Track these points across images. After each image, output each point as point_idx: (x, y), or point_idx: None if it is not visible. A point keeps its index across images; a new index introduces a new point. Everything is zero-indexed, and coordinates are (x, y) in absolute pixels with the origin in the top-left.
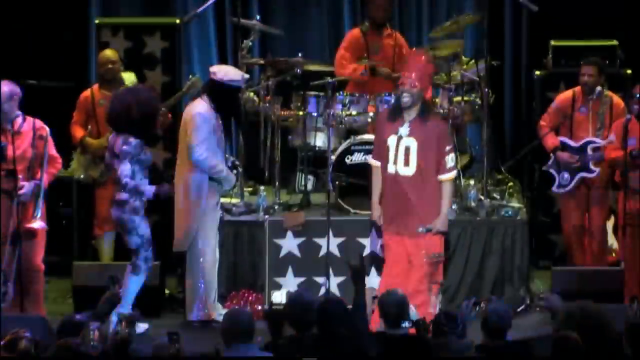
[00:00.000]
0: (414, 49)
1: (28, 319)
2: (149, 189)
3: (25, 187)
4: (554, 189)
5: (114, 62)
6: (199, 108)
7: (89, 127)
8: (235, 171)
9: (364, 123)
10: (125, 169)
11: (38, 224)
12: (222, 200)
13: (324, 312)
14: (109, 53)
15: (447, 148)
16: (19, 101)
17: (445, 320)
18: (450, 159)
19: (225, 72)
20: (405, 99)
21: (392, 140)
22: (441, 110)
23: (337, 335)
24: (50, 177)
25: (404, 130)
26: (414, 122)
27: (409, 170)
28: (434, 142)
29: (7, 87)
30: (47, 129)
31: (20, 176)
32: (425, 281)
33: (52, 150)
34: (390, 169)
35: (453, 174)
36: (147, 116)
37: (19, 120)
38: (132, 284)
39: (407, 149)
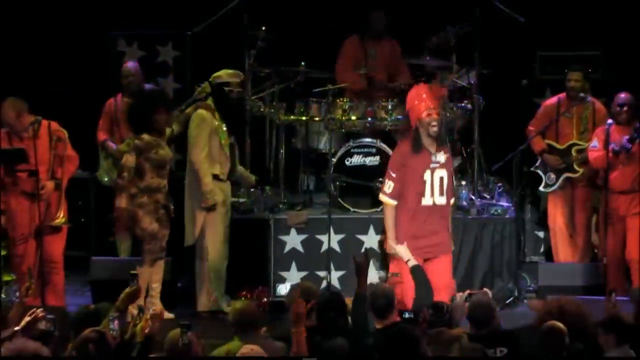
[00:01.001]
0: (433, 84)
1: (47, 310)
2: None
3: (47, 186)
4: (541, 188)
5: (133, 75)
6: (200, 111)
7: (113, 132)
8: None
9: (362, 127)
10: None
11: (61, 220)
12: (232, 199)
13: (324, 305)
14: (129, 66)
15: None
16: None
17: (433, 311)
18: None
19: (219, 76)
20: (435, 128)
21: (427, 175)
22: None
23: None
24: (69, 174)
25: (434, 162)
26: (438, 151)
27: (444, 200)
28: (452, 169)
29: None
30: (65, 131)
31: (42, 176)
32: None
33: (69, 150)
34: (427, 201)
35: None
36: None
37: (36, 125)
38: (143, 275)
39: (442, 180)
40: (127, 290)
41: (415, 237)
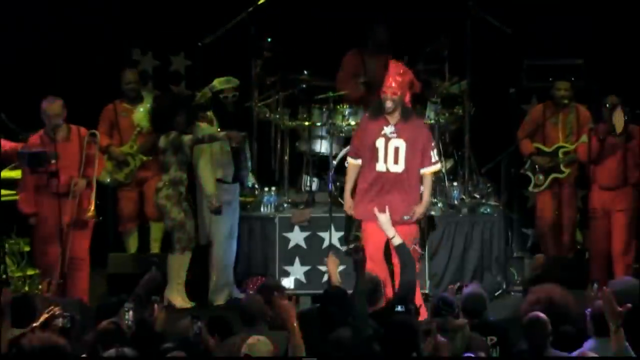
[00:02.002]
0: (393, 59)
1: (68, 301)
2: None
3: (80, 183)
4: (531, 188)
5: (134, 82)
6: (198, 123)
7: (113, 136)
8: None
9: None
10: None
11: (90, 215)
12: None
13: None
14: (128, 74)
15: (432, 144)
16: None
17: (443, 305)
18: (434, 154)
19: (213, 85)
20: (389, 104)
21: (380, 142)
22: (428, 121)
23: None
24: (99, 174)
25: (389, 130)
26: (398, 124)
27: (399, 168)
28: (419, 141)
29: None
30: (96, 134)
31: (74, 175)
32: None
33: (100, 152)
34: (381, 167)
35: (437, 166)
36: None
37: (65, 129)
38: (172, 261)
39: (397, 149)
40: (146, 277)
41: (371, 200)
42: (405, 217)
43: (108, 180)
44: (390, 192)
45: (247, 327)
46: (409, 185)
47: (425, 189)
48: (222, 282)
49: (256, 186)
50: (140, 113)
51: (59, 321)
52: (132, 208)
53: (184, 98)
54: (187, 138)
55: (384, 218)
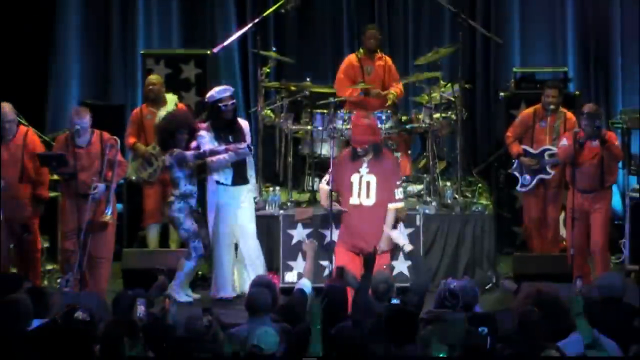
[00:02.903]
0: (355, 113)
1: (86, 295)
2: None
3: (99, 187)
4: (518, 188)
5: (155, 84)
6: (202, 127)
7: (140, 136)
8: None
9: None
10: (177, 176)
11: (109, 218)
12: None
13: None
14: (152, 78)
15: (398, 182)
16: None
17: (450, 297)
18: (399, 192)
19: (211, 95)
20: (360, 152)
21: (355, 178)
22: (423, 125)
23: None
24: (119, 178)
25: (364, 169)
26: (371, 162)
27: (370, 201)
28: (388, 177)
29: (85, 112)
30: (117, 139)
31: (94, 178)
32: None
33: (120, 157)
34: (355, 200)
35: (400, 204)
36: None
37: (88, 134)
38: (185, 267)
39: (368, 184)
40: (157, 282)
41: (349, 232)
42: (382, 246)
43: (134, 177)
44: (363, 224)
45: (253, 318)
46: (380, 218)
47: (386, 224)
48: (222, 278)
49: (258, 199)
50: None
51: (79, 314)
52: (155, 205)
53: (183, 116)
54: (188, 154)
55: (396, 234)
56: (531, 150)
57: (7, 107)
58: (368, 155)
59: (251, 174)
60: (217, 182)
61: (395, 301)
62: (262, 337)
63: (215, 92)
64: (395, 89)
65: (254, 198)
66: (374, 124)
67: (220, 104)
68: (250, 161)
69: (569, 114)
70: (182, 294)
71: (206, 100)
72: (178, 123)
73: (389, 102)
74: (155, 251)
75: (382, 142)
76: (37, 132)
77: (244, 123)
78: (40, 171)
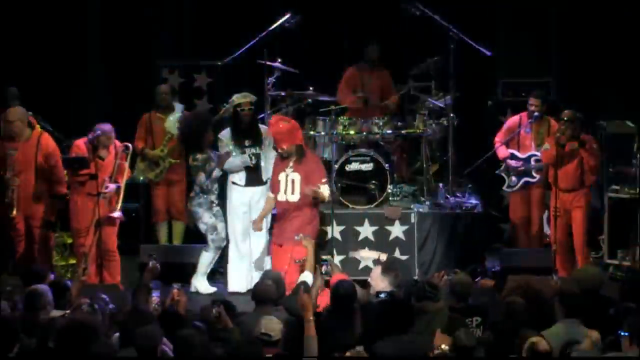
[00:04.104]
0: (274, 117)
1: (106, 287)
2: None
3: (110, 187)
4: (504, 188)
5: (166, 93)
6: (223, 130)
7: (147, 140)
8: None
9: (359, 140)
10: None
11: (118, 214)
12: None
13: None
14: (163, 87)
15: (323, 180)
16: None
17: (430, 288)
18: (325, 188)
19: (232, 100)
20: (284, 154)
21: (282, 177)
22: (417, 130)
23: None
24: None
25: (289, 169)
26: (295, 162)
27: (295, 197)
28: (311, 175)
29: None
30: (130, 146)
31: (106, 178)
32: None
33: (125, 163)
34: (282, 197)
35: (326, 187)
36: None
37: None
38: (203, 258)
39: (293, 182)
40: (148, 268)
41: (278, 227)
42: (296, 237)
43: (141, 178)
44: (289, 218)
45: (259, 307)
46: (304, 212)
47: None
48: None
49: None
50: (171, 122)
51: (85, 307)
52: (162, 204)
53: (206, 117)
54: (201, 157)
55: (366, 253)
56: (519, 154)
57: (13, 110)
58: (292, 156)
59: (267, 175)
60: (233, 183)
61: (383, 296)
62: (268, 324)
63: (236, 97)
64: (392, 100)
65: None
66: (292, 127)
67: (238, 109)
68: (268, 162)
69: (553, 121)
70: (205, 284)
71: (228, 104)
72: (204, 123)
73: (387, 111)
74: (169, 246)
75: (304, 144)
76: (61, 136)
77: (263, 129)
78: (55, 170)
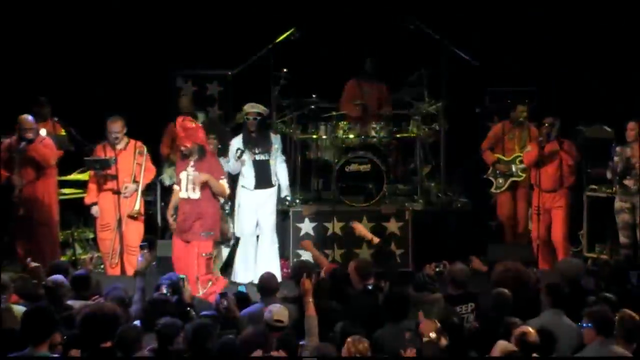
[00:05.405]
0: (179, 119)
1: (125, 279)
2: None
3: (130, 187)
4: (492, 190)
5: (189, 108)
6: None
7: (173, 147)
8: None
9: (357, 143)
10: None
11: (136, 212)
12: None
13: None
14: (184, 102)
15: (222, 177)
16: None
17: (429, 279)
18: (223, 183)
19: (243, 108)
20: (185, 152)
21: (183, 175)
22: (411, 135)
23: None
24: (147, 180)
25: (190, 167)
26: (196, 161)
27: (196, 195)
28: (210, 174)
29: (118, 121)
30: (144, 147)
31: (126, 179)
32: (206, 267)
33: (148, 162)
34: (184, 194)
35: (224, 182)
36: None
37: (125, 141)
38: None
39: (194, 180)
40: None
41: (180, 223)
42: (202, 234)
43: (167, 182)
44: (193, 216)
45: (265, 297)
46: (205, 209)
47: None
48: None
49: (289, 199)
50: None
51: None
52: None
53: (211, 123)
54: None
55: (362, 228)
56: (504, 158)
57: (25, 116)
58: (193, 155)
59: (276, 179)
60: (242, 187)
61: (370, 287)
62: (278, 312)
63: (245, 107)
64: (388, 109)
65: (286, 197)
66: (196, 127)
67: (246, 117)
68: (279, 168)
69: (533, 127)
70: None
71: (243, 113)
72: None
73: (383, 119)
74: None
75: (206, 144)
76: (83, 139)
77: (273, 137)
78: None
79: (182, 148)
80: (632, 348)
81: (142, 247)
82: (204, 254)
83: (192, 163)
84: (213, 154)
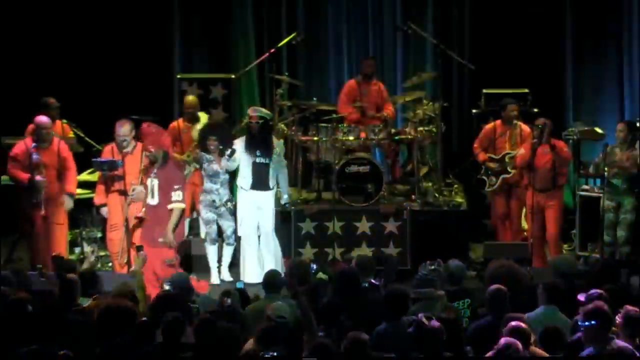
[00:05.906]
0: (144, 125)
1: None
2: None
3: (137, 188)
4: (486, 189)
5: (193, 106)
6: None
7: (175, 145)
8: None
9: (357, 145)
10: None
11: (143, 213)
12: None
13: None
14: (191, 100)
15: (176, 187)
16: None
17: (432, 275)
18: (176, 195)
19: (247, 112)
20: (151, 158)
21: (148, 182)
22: (409, 136)
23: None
24: None
25: (153, 174)
26: (159, 168)
27: (155, 201)
28: (168, 182)
29: (125, 124)
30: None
31: (133, 181)
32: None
33: None
34: (149, 201)
35: (178, 205)
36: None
37: (132, 144)
38: (206, 250)
39: (153, 187)
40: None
41: (147, 227)
42: (160, 240)
43: None
44: (152, 220)
45: (269, 293)
46: (163, 215)
47: (169, 221)
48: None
49: (287, 204)
50: (197, 131)
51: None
52: (187, 202)
53: (214, 126)
54: (205, 157)
55: None
56: (494, 156)
57: (43, 118)
58: (158, 161)
59: (273, 183)
60: (241, 188)
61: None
62: (280, 308)
63: (249, 110)
64: (388, 111)
65: (285, 204)
66: (161, 133)
67: (249, 120)
68: (280, 174)
69: (524, 127)
70: (214, 275)
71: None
72: (209, 132)
73: (382, 120)
74: (187, 240)
75: (170, 150)
76: (91, 141)
77: (276, 142)
78: (68, 172)
79: (147, 153)
80: (636, 343)
81: (139, 248)
82: (166, 260)
83: (155, 170)
84: (177, 162)
